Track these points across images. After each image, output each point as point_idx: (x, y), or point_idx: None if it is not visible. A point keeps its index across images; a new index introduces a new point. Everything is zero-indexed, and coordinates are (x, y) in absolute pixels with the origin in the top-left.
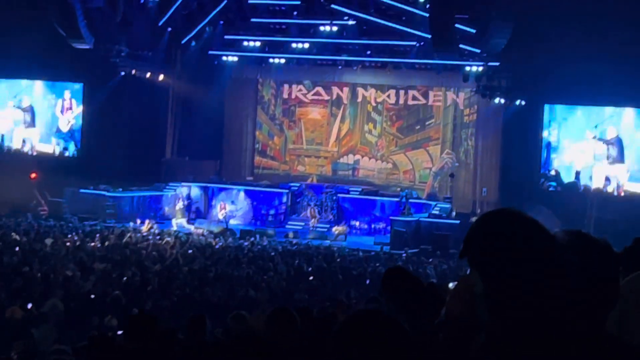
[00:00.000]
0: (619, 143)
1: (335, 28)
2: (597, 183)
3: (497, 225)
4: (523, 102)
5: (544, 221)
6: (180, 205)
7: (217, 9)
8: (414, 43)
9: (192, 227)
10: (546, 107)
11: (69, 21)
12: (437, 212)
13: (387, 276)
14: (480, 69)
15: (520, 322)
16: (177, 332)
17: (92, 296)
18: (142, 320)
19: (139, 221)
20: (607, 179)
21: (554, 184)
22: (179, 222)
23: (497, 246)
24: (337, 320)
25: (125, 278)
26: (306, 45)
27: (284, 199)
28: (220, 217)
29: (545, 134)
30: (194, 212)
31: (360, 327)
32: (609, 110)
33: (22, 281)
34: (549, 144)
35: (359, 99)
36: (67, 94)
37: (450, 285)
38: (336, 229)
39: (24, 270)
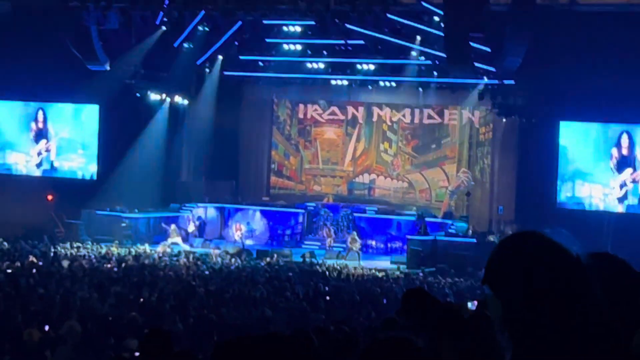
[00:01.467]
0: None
1: (349, 48)
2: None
3: (519, 249)
4: (539, 120)
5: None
6: (192, 227)
7: (232, 30)
8: (429, 62)
9: (187, 247)
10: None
11: (84, 43)
12: (453, 231)
13: (406, 296)
14: (496, 87)
15: (544, 347)
16: (196, 354)
17: (109, 318)
18: (157, 336)
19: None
20: (623, 198)
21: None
22: (174, 240)
23: (519, 271)
24: (354, 340)
25: (141, 299)
26: (321, 65)
27: (300, 219)
28: (237, 237)
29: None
30: (200, 232)
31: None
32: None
33: (39, 303)
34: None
35: (374, 118)
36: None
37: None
38: (351, 243)
39: (40, 292)
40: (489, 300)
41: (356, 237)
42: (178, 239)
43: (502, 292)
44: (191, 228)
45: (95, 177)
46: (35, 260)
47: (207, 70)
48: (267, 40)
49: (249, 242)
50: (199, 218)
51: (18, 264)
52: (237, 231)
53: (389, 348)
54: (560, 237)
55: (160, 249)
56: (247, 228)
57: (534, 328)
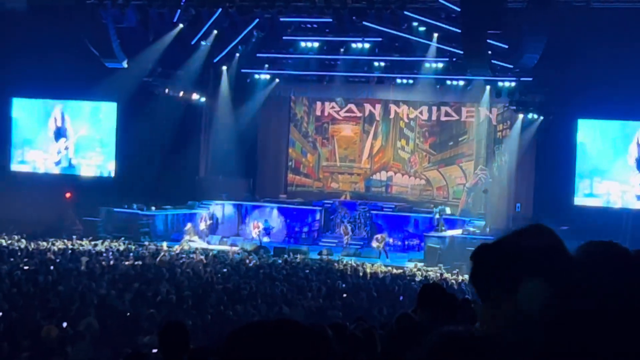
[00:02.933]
0: None
1: (367, 45)
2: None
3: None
4: (556, 117)
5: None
6: (203, 225)
7: (250, 27)
8: (446, 59)
9: (204, 244)
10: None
11: (102, 40)
12: (470, 228)
13: (422, 292)
14: (513, 84)
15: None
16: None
17: (128, 314)
18: (174, 330)
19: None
20: None
21: None
22: (191, 239)
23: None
24: (371, 337)
25: (159, 296)
26: (338, 63)
27: (317, 216)
28: (254, 235)
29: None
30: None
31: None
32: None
33: (57, 300)
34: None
35: (392, 116)
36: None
37: None
38: (376, 243)
39: (59, 289)
40: (532, 287)
41: (382, 236)
42: (195, 237)
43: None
44: (202, 226)
45: (113, 175)
46: (53, 257)
47: (224, 67)
48: (284, 37)
49: (266, 239)
50: (213, 216)
51: (36, 261)
52: (254, 228)
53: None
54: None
55: (177, 247)
56: (264, 225)
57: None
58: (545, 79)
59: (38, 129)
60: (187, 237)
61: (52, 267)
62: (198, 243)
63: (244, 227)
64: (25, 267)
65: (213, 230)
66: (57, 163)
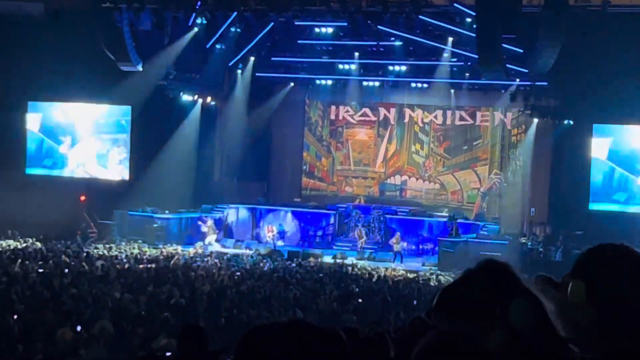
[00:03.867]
0: None
1: (381, 49)
2: None
3: (618, 256)
4: (571, 122)
5: None
6: (205, 228)
7: (264, 31)
8: (461, 63)
9: (218, 246)
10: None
11: (117, 44)
12: (485, 233)
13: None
14: (528, 88)
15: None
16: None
17: (142, 318)
18: (193, 332)
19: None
20: None
21: None
22: (209, 240)
23: (617, 275)
24: (384, 341)
25: (173, 300)
26: (353, 67)
27: (332, 220)
28: (268, 238)
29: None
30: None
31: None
32: None
33: (71, 303)
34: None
35: (406, 120)
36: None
37: None
38: (395, 245)
39: (73, 292)
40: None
41: (399, 238)
42: (212, 238)
43: (593, 289)
44: (204, 229)
45: (127, 178)
46: (67, 260)
47: (239, 71)
48: (299, 41)
49: (280, 243)
50: (216, 220)
51: (51, 264)
52: (268, 232)
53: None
54: None
55: (192, 250)
56: (278, 229)
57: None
58: (560, 83)
59: (53, 133)
60: (207, 239)
61: (66, 270)
62: (214, 245)
63: (258, 231)
64: (40, 270)
65: (228, 234)
66: (71, 166)
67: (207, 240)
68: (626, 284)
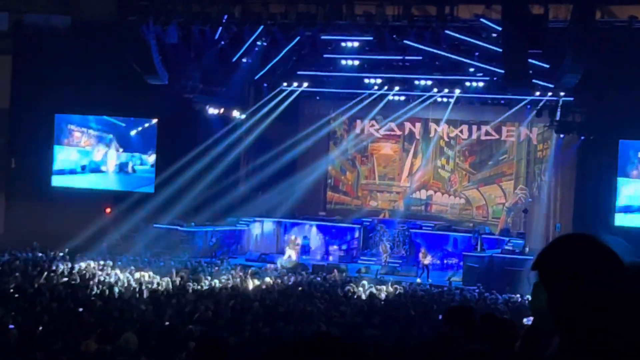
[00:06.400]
0: None
1: (407, 63)
2: None
3: (572, 246)
4: (597, 138)
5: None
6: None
7: (290, 45)
8: (487, 78)
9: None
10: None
11: (144, 57)
12: (510, 248)
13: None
14: (554, 104)
15: (585, 336)
16: None
17: (166, 330)
18: (212, 345)
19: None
20: None
21: None
22: (289, 254)
23: (570, 265)
24: (409, 355)
25: (198, 313)
26: (378, 81)
27: (356, 234)
28: (293, 252)
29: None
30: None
31: None
32: None
33: (96, 316)
34: None
35: (431, 134)
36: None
37: (525, 320)
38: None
39: (98, 304)
40: (535, 288)
41: (426, 252)
42: (292, 253)
43: (548, 281)
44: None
45: (153, 191)
46: (93, 272)
47: (265, 84)
48: (325, 55)
49: (305, 256)
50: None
51: (76, 276)
52: (293, 246)
53: None
54: (618, 245)
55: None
56: (303, 242)
57: (575, 319)
58: (586, 99)
59: (79, 145)
60: (286, 252)
61: (91, 282)
62: (293, 259)
63: (282, 244)
64: (65, 281)
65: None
66: (97, 178)
67: (286, 255)
68: (586, 273)
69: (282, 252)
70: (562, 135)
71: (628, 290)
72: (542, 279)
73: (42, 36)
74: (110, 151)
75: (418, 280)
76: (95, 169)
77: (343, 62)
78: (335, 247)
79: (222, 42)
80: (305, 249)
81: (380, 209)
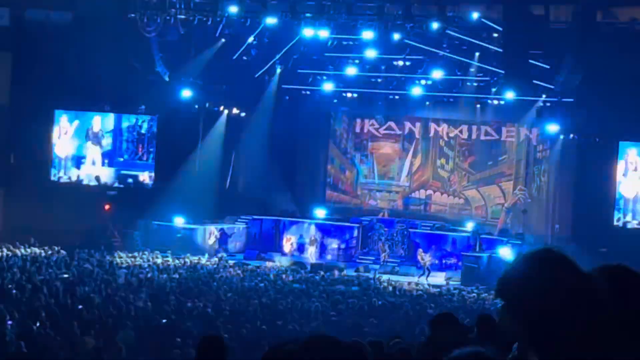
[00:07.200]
0: None
1: (408, 63)
2: None
3: (531, 265)
4: (597, 139)
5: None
6: (212, 239)
7: (291, 44)
8: (487, 78)
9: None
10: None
11: (145, 54)
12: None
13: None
14: (554, 105)
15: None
16: None
17: (164, 327)
18: (212, 343)
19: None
20: None
21: None
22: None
23: (530, 286)
24: (407, 355)
25: (196, 310)
26: (379, 80)
27: (355, 233)
28: (291, 250)
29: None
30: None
31: None
32: None
33: (95, 312)
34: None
35: (431, 134)
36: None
37: None
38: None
39: (96, 301)
40: (501, 311)
41: (422, 253)
42: (312, 250)
43: (510, 308)
44: (211, 240)
45: (151, 188)
46: (91, 269)
47: (265, 82)
48: (326, 53)
49: (303, 255)
50: (221, 230)
51: (75, 272)
52: (291, 244)
53: None
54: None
55: (214, 260)
56: (299, 241)
57: (547, 343)
58: (586, 99)
59: (78, 141)
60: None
61: (90, 279)
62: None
63: (281, 243)
64: (64, 277)
65: (222, 245)
66: (96, 174)
67: (307, 252)
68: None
69: (280, 250)
70: (561, 136)
71: (595, 300)
72: (506, 304)
73: (43, 32)
74: (109, 147)
75: (417, 279)
76: (95, 164)
77: (344, 60)
78: (334, 246)
79: (223, 40)
80: (299, 248)
81: (379, 208)
